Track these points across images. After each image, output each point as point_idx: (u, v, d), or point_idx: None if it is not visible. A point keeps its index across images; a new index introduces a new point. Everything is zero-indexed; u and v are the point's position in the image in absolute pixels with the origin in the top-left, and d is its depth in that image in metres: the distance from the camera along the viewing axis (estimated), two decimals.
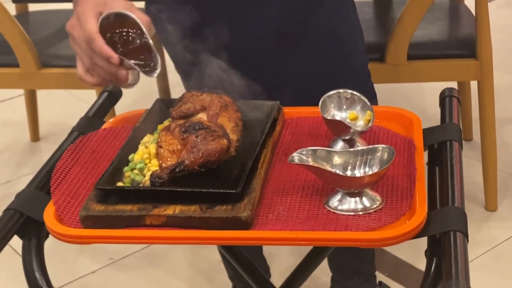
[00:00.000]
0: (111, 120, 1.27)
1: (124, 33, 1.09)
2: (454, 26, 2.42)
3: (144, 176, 1.05)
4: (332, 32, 1.42)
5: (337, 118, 1.14)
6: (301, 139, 1.18)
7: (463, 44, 2.19)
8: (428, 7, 2.07)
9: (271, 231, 0.96)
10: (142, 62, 1.08)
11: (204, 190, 0.99)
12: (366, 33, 1.51)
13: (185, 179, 1.02)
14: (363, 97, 1.15)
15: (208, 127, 1.06)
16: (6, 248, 0.99)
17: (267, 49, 1.41)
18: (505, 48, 3.17)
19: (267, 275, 1.90)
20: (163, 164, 1.05)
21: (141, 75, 1.09)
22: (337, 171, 0.99)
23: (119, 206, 1.00)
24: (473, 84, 2.40)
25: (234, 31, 1.35)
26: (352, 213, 0.98)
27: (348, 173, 1.00)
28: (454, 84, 2.43)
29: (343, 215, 0.98)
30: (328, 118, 1.13)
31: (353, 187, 0.99)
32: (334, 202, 1.00)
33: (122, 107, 1.52)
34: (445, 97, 1.24)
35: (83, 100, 2.98)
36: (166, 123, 1.17)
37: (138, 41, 1.09)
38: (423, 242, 0.96)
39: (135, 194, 1.02)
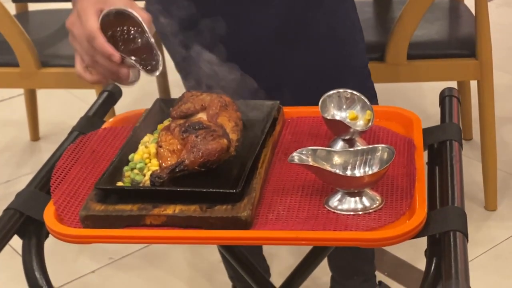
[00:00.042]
0: (111, 119, 1.27)
1: (125, 31, 1.09)
2: (454, 26, 2.43)
3: (144, 175, 1.05)
4: (332, 31, 1.42)
5: (337, 117, 1.14)
6: (301, 139, 1.18)
7: (463, 43, 2.20)
8: (428, 6, 2.07)
9: (271, 230, 0.96)
10: (143, 61, 1.08)
11: (204, 190, 0.99)
12: (366, 33, 1.51)
13: (185, 179, 1.02)
14: (363, 97, 1.15)
15: (208, 127, 1.06)
16: (6, 247, 0.99)
17: (267, 49, 1.41)
18: (504, 48, 3.17)
19: (267, 275, 1.90)
20: (163, 164, 1.05)
21: (142, 73, 1.09)
22: (337, 171, 0.99)
23: (119, 205, 1.00)
24: (473, 84, 2.40)
25: (234, 31, 1.35)
26: (352, 213, 0.98)
27: (348, 172, 1.00)
28: (454, 84, 2.43)
29: (343, 215, 0.98)
30: (328, 117, 1.13)
31: (353, 187, 0.99)
32: (334, 201, 1.00)
33: (122, 107, 1.52)
34: (445, 97, 1.24)
35: (83, 99, 2.98)
36: (166, 122, 1.17)
37: (139, 39, 1.09)
38: (423, 241, 0.96)
39: (135, 194, 1.02)
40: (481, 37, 2.11)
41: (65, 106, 3.06)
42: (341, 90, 1.16)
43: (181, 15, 1.23)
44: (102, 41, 1.04)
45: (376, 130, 1.19)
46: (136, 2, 1.12)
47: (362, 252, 1.74)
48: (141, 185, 1.04)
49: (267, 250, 1.97)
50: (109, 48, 1.04)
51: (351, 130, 1.11)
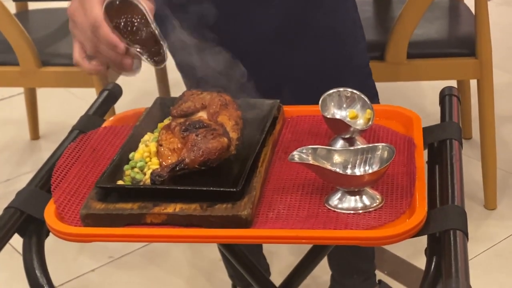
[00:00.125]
0: (111, 118, 1.27)
1: (128, 20, 1.08)
2: (453, 25, 2.43)
3: (145, 174, 1.05)
4: (332, 31, 1.42)
5: (337, 116, 1.15)
6: (301, 138, 1.18)
7: (463, 42, 2.20)
8: (428, 5, 2.07)
9: (271, 229, 0.96)
10: (148, 52, 1.07)
11: (205, 189, 0.99)
12: (365, 32, 1.51)
13: (186, 178, 1.02)
14: (363, 96, 1.15)
15: (208, 126, 1.06)
16: (7, 246, 0.99)
17: (268, 49, 1.41)
18: (504, 47, 3.17)
19: (267, 274, 1.90)
20: (164, 163, 1.05)
21: (146, 64, 1.08)
22: (337, 170, 0.99)
23: (120, 204, 1.00)
24: (473, 83, 2.40)
25: (234, 31, 1.35)
26: (352, 212, 0.98)
27: (348, 171, 1.00)
28: (453, 83, 2.43)
29: (343, 213, 0.98)
30: (328, 116, 1.13)
31: (353, 186, 0.99)
32: (334, 200, 1.00)
33: (122, 106, 1.52)
34: (444, 96, 1.24)
35: (83, 98, 2.98)
36: (166, 121, 1.17)
37: (143, 29, 1.07)
38: (423, 240, 0.96)
39: (135, 193, 1.02)
40: (481, 36, 2.11)
41: (65, 105, 3.06)
42: (341, 89, 1.16)
43: (181, 15, 1.23)
44: (107, 30, 1.04)
45: (376, 129, 1.19)
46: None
47: (362, 251, 1.74)
48: (141, 183, 1.04)
49: (267, 248, 1.97)
50: (114, 38, 1.04)
51: (351, 129, 1.11)
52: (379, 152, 1.01)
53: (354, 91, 1.16)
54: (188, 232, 0.97)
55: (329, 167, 1.00)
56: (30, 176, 1.12)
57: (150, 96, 1.42)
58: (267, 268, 1.92)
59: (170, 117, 1.17)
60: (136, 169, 1.06)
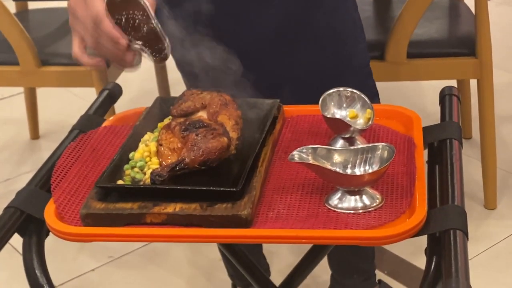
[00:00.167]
0: (111, 118, 1.27)
1: (130, 17, 1.07)
2: (453, 25, 2.43)
3: (145, 174, 1.05)
4: (332, 31, 1.42)
5: (337, 116, 1.15)
6: (301, 137, 1.18)
7: (463, 42, 2.20)
8: (428, 5, 2.07)
9: (271, 229, 0.96)
10: (149, 48, 1.07)
11: (205, 188, 0.99)
12: (365, 31, 1.51)
13: (186, 177, 1.02)
14: (363, 95, 1.15)
15: (208, 125, 1.06)
16: (6, 246, 0.99)
17: (268, 49, 1.41)
18: (504, 46, 3.17)
19: (267, 273, 1.90)
20: (164, 162, 1.05)
21: (146, 59, 1.08)
22: (337, 169, 0.99)
23: (120, 204, 1.00)
24: (473, 82, 2.40)
25: (235, 31, 1.35)
26: (352, 211, 0.98)
27: (348, 171, 1.00)
28: (453, 83, 2.43)
29: (343, 213, 0.98)
30: (328, 116, 1.13)
31: (353, 185, 0.99)
32: (334, 200, 1.00)
33: (122, 105, 1.52)
34: (445, 96, 1.24)
35: (83, 98, 2.98)
36: (166, 121, 1.17)
37: (144, 24, 1.07)
38: (423, 240, 0.96)
39: (135, 192, 1.02)
40: (481, 36, 2.11)
41: (65, 104, 3.06)
42: (341, 89, 1.16)
43: (181, 15, 1.23)
44: (109, 25, 1.03)
45: (376, 128, 1.19)
46: None
47: (362, 251, 1.74)
48: (141, 183, 1.04)
49: (267, 248, 1.97)
50: (116, 33, 1.03)
51: (351, 128, 1.11)
52: (379, 152, 1.01)
53: (354, 90, 1.16)
54: (188, 232, 0.97)
55: (329, 166, 1.00)
56: (30, 176, 1.12)
57: (150, 96, 1.42)
58: (267, 267, 1.92)
59: (170, 117, 1.17)
60: (136, 169, 1.06)
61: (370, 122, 1.13)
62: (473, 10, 2.16)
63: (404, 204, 0.99)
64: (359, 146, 1.03)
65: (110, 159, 1.11)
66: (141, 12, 1.07)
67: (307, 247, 1.34)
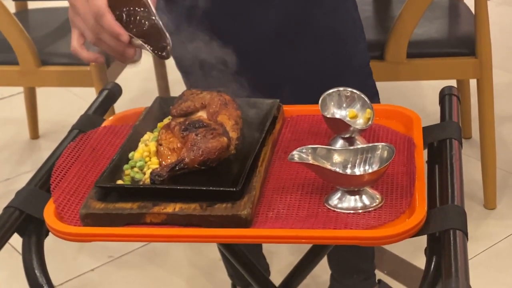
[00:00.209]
0: (111, 118, 1.27)
1: (131, 11, 1.07)
2: (453, 24, 2.42)
3: (144, 174, 1.05)
4: (332, 30, 1.42)
5: (337, 116, 1.15)
6: (301, 137, 1.18)
7: (463, 42, 2.20)
8: (427, 5, 2.07)
9: (270, 229, 0.96)
10: (151, 43, 1.07)
11: (204, 188, 0.99)
12: (365, 31, 1.51)
13: (185, 177, 1.02)
14: (363, 95, 1.15)
15: (208, 125, 1.06)
16: (6, 246, 0.99)
17: (268, 49, 1.41)
18: (504, 46, 3.17)
19: (266, 273, 1.90)
20: (163, 162, 1.05)
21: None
22: (337, 169, 0.99)
23: (119, 204, 1.00)
24: (473, 82, 2.40)
25: (235, 31, 1.35)
26: (352, 211, 0.98)
27: (348, 171, 1.00)
28: (453, 82, 2.43)
29: (343, 213, 0.98)
30: (328, 116, 1.13)
31: (353, 185, 0.99)
32: (334, 200, 1.00)
33: (121, 105, 1.52)
34: (444, 95, 1.24)
35: (83, 98, 2.98)
36: (166, 121, 1.17)
37: (145, 20, 1.07)
38: (422, 240, 0.96)
39: (135, 192, 1.02)
40: (480, 35, 2.11)
41: (65, 104, 3.06)
42: (341, 89, 1.16)
43: (181, 14, 1.23)
44: (110, 20, 1.03)
45: (376, 128, 1.19)
46: None
47: (362, 251, 1.74)
48: (141, 183, 1.04)
49: (266, 248, 1.97)
50: (117, 27, 1.03)
51: (351, 128, 1.11)
52: (378, 152, 1.01)
53: (354, 90, 1.16)
54: (188, 232, 0.97)
55: (328, 166, 1.00)
56: (29, 176, 1.12)
57: (150, 96, 1.42)
58: (266, 267, 1.92)
59: (169, 117, 1.17)
60: (135, 169, 1.06)
61: (370, 122, 1.13)
62: (473, 10, 2.16)
63: (404, 204, 0.99)
64: (359, 146, 1.03)
65: (109, 159, 1.11)
66: (142, 8, 1.07)
67: (307, 247, 1.34)
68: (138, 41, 1.05)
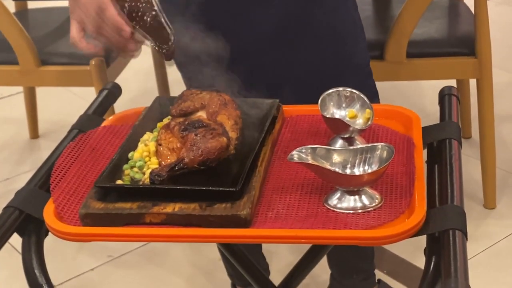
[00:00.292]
0: (110, 118, 1.27)
1: (134, 4, 1.07)
2: (453, 24, 2.42)
3: (144, 174, 1.05)
4: (333, 30, 1.42)
5: (337, 116, 1.15)
6: (301, 137, 1.18)
7: (462, 42, 2.19)
8: (427, 5, 2.07)
9: (270, 229, 0.96)
10: (153, 38, 1.06)
11: (204, 188, 0.99)
12: (365, 31, 1.51)
13: (185, 177, 1.02)
14: (362, 95, 1.15)
15: (207, 125, 1.06)
16: (6, 245, 0.99)
17: (268, 48, 1.41)
18: (504, 46, 3.17)
19: (266, 273, 1.90)
20: (163, 162, 1.05)
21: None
22: (337, 169, 0.99)
23: (119, 204, 1.00)
24: (472, 82, 2.40)
25: (235, 31, 1.35)
26: (351, 211, 0.98)
27: (348, 171, 1.00)
28: (453, 82, 2.43)
29: (343, 213, 0.98)
30: (327, 116, 1.13)
31: (353, 185, 0.99)
32: (334, 200, 1.00)
33: (121, 105, 1.52)
34: (444, 95, 1.24)
35: (83, 97, 2.98)
36: (165, 121, 1.17)
37: (148, 14, 1.07)
38: (422, 240, 0.96)
39: (134, 192, 1.02)
40: (480, 35, 2.11)
41: (65, 104, 3.06)
42: (340, 89, 1.16)
43: (181, 15, 1.23)
44: (113, 12, 1.03)
45: (376, 128, 1.19)
46: None
47: (362, 250, 1.74)
48: (140, 183, 1.04)
49: (266, 248, 1.97)
50: (120, 21, 1.03)
51: (351, 128, 1.11)
52: (378, 152, 1.01)
53: (354, 90, 1.16)
54: (187, 232, 0.97)
55: (328, 166, 1.00)
56: (29, 175, 1.12)
57: (150, 95, 1.42)
58: (266, 267, 1.92)
59: (169, 117, 1.17)
60: (135, 169, 1.06)
61: (369, 122, 1.13)
62: (472, 9, 2.16)
63: (403, 204, 0.99)
64: (358, 146, 1.03)
65: (109, 159, 1.11)
66: (145, 3, 1.07)
67: (307, 246, 1.34)
68: (140, 36, 1.05)
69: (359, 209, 0.98)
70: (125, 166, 1.07)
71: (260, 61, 1.41)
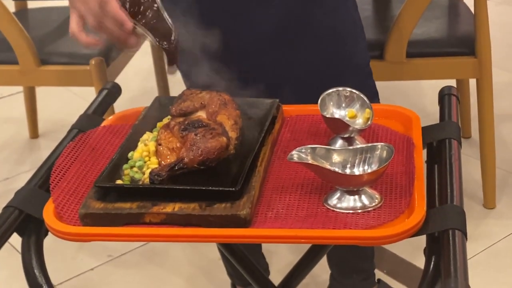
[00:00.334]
0: (110, 117, 1.27)
1: (135, 1, 1.07)
2: (453, 24, 2.42)
3: (144, 173, 1.05)
4: (333, 30, 1.42)
5: (336, 116, 1.15)
6: (300, 137, 1.18)
7: (462, 41, 2.19)
8: (427, 4, 2.06)
9: (270, 229, 0.96)
10: (155, 34, 1.06)
11: (204, 188, 0.99)
12: (365, 31, 1.51)
13: (184, 177, 1.02)
14: (362, 95, 1.15)
15: (207, 125, 1.06)
16: (6, 245, 0.99)
17: (268, 48, 1.41)
18: (504, 46, 3.17)
19: (266, 273, 1.90)
20: (163, 162, 1.05)
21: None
22: (336, 169, 0.99)
23: (118, 203, 1.00)
24: (472, 82, 2.40)
25: (235, 31, 1.35)
26: (351, 211, 0.98)
27: (347, 171, 1.00)
28: (453, 82, 2.43)
29: (342, 213, 0.98)
30: (327, 116, 1.13)
31: (352, 185, 0.99)
32: (333, 200, 1.00)
33: (121, 105, 1.52)
34: (444, 95, 1.24)
35: (82, 97, 2.98)
36: (165, 120, 1.17)
37: (149, 9, 1.07)
38: (422, 240, 0.96)
39: (134, 192, 1.02)
40: (480, 35, 2.11)
41: (65, 103, 3.06)
42: (340, 89, 1.16)
43: (181, 15, 1.23)
44: (115, 7, 1.02)
45: (375, 128, 1.19)
46: None
47: (362, 250, 1.74)
48: (140, 183, 1.04)
49: (266, 247, 1.97)
50: (122, 15, 1.02)
51: (350, 128, 1.11)
52: (378, 152, 1.01)
53: (353, 90, 1.16)
54: (187, 232, 0.97)
55: (328, 166, 1.00)
56: (29, 175, 1.12)
57: (150, 95, 1.42)
58: (266, 267, 1.92)
59: (169, 116, 1.17)
60: (135, 169, 1.06)
61: (369, 122, 1.13)
62: (472, 9, 2.16)
63: (403, 204, 0.99)
64: (358, 146, 1.03)
65: (109, 159, 1.11)
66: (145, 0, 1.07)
67: (306, 246, 1.34)
68: (141, 31, 1.05)
69: (359, 209, 0.98)
70: (125, 166, 1.07)
71: (260, 61, 1.41)
